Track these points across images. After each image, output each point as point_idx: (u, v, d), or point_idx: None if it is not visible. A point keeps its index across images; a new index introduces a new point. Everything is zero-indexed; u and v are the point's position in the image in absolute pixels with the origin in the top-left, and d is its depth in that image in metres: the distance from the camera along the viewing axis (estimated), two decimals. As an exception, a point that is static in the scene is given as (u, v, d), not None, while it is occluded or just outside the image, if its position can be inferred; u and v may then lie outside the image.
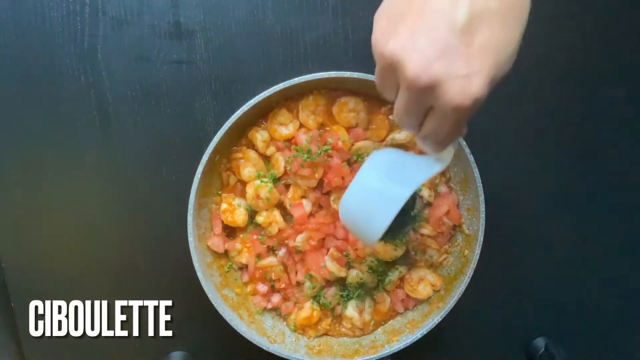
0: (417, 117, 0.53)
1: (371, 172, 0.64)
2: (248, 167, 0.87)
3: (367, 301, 0.91)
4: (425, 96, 0.49)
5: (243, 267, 0.91)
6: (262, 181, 0.87)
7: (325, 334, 0.92)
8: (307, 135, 0.86)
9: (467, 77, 0.47)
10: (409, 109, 0.52)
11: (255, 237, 0.89)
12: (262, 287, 0.90)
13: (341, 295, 0.90)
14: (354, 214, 0.66)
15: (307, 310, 0.90)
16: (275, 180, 0.88)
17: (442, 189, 0.90)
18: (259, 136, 0.87)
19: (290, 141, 0.88)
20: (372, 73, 0.82)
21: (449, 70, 0.46)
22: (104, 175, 0.92)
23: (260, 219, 0.88)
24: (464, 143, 0.83)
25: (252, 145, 0.89)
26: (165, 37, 0.90)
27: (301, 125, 0.88)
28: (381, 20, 0.51)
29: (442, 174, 0.90)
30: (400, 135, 0.88)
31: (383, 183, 0.62)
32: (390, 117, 0.89)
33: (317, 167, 0.85)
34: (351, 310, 0.90)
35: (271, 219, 0.88)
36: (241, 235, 0.90)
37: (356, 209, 0.65)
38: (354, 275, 0.88)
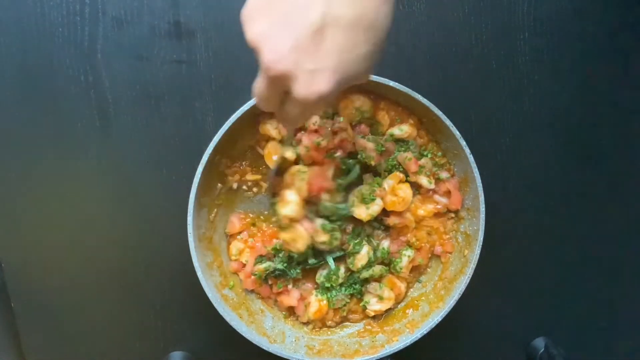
0: (273, 99, 0.57)
1: None
2: (274, 154, 0.87)
3: (385, 290, 0.91)
4: (279, 83, 0.53)
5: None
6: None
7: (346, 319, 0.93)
8: (308, 134, 0.85)
9: (313, 73, 0.51)
10: (266, 91, 0.56)
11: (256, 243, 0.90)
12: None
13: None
14: None
15: (315, 304, 0.89)
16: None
17: (444, 175, 0.90)
18: (270, 126, 0.86)
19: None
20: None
21: (298, 65, 0.51)
22: (103, 176, 0.92)
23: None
24: (464, 143, 0.83)
25: (267, 138, 0.88)
26: (165, 37, 0.90)
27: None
28: None
29: (447, 170, 0.90)
30: (399, 131, 0.88)
31: None
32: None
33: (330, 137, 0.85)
34: (370, 295, 0.90)
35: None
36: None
37: None
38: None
